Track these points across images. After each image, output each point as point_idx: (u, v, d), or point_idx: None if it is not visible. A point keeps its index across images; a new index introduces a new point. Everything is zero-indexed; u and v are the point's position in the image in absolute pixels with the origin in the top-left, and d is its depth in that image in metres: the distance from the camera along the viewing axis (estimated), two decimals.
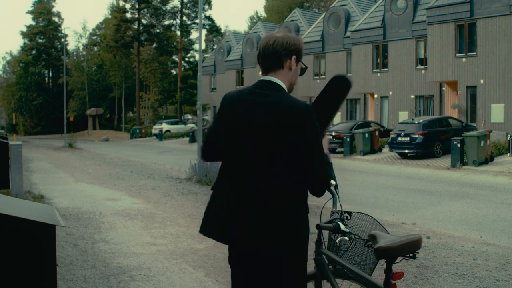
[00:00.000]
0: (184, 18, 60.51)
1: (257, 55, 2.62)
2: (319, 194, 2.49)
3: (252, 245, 2.43)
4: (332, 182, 2.77)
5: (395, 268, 2.84)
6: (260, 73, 2.63)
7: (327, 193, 2.90)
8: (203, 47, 69.87)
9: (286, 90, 2.59)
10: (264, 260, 2.48)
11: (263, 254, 2.46)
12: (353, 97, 33.68)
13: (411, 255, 2.68)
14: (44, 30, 71.71)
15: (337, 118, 34.18)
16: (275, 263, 2.47)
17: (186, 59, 66.53)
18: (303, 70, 2.71)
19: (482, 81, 24.82)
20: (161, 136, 42.79)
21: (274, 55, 2.53)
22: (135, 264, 5.85)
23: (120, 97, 65.18)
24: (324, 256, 2.96)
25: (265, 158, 2.43)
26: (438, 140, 20.61)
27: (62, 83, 60.57)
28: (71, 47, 79.06)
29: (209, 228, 2.55)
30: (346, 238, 2.79)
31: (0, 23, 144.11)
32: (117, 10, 59.42)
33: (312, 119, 2.43)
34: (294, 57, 2.57)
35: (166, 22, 60.74)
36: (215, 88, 49.19)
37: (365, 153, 22.30)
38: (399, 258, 2.72)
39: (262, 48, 2.56)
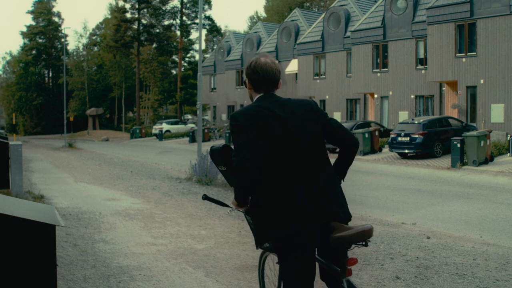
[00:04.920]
0: (184, 18, 60.45)
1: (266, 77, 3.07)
2: (357, 146, 3.12)
3: (334, 215, 2.92)
4: None
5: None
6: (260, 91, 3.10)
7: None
8: (203, 47, 69.88)
9: None
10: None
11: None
12: (353, 97, 33.69)
13: (363, 243, 2.89)
14: (44, 30, 71.68)
15: (338, 118, 34.18)
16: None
17: (186, 59, 66.51)
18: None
19: (482, 81, 24.82)
20: (161, 136, 42.79)
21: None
22: (135, 264, 5.85)
23: (120, 97, 65.17)
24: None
25: (313, 142, 2.96)
26: (438, 140, 20.60)
27: (62, 83, 60.56)
28: (71, 47, 79.17)
29: (287, 222, 2.83)
30: (228, 210, 3.21)
31: (0, 23, 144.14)
32: (117, 10, 59.40)
33: None
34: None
35: (166, 22, 60.72)
36: (215, 88, 49.19)
37: (365, 153, 22.30)
38: (353, 246, 2.91)
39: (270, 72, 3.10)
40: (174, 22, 60.94)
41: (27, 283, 3.37)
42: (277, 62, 3.14)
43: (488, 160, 17.63)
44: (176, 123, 47.18)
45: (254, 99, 3.06)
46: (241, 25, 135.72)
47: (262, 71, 3.00)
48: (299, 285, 2.88)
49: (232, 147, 2.98)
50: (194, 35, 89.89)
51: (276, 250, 2.94)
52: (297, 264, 2.86)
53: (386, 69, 30.54)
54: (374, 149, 22.78)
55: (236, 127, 2.86)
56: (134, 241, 7.00)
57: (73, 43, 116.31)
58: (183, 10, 60.09)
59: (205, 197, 3.35)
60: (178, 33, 61.08)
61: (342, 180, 3.22)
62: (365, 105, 33.05)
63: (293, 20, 40.68)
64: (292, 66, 38.59)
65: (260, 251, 3.85)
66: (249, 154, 2.80)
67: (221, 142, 34.47)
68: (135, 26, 56.92)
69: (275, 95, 3.03)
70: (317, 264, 3.05)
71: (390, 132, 21.91)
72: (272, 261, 3.98)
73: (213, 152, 3.27)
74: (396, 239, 7.12)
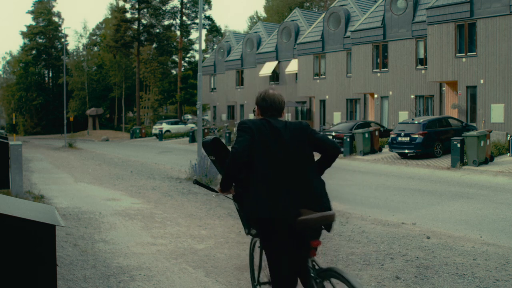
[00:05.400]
0: (184, 18, 60.43)
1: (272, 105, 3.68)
2: (337, 154, 3.63)
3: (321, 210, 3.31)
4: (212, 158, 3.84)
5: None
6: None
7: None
8: (203, 47, 69.87)
9: None
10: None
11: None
12: (353, 97, 33.68)
13: (327, 227, 3.32)
14: (44, 30, 71.67)
15: (337, 118, 34.18)
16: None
17: (186, 59, 66.50)
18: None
19: (482, 81, 24.82)
20: (161, 136, 42.78)
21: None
22: (135, 264, 5.85)
23: (120, 97, 65.16)
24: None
25: (301, 155, 3.46)
26: (438, 140, 20.60)
27: (62, 83, 60.56)
28: (71, 47, 79.14)
29: (273, 210, 3.26)
30: (213, 195, 4.01)
31: (0, 23, 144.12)
32: (117, 10, 59.39)
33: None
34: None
35: (166, 22, 60.68)
36: (215, 88, 49.19)
37: (365, 153, 22.30)
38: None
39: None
40: (174, 22, 60.95)
41: (27, 283, 3.37)
42: (282, 95, 3.75)
43: (488, 160, 17.63)
44: (176, 123, 47.16)
45: None
46: (241, 25, 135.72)
47: (270, 100, 3.64)
48: (281, 267, 3.26)
49: (226, 144, 3.25)
50: (194, 35, 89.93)
51: (260, 234, 3.35)
52: (278, 248, 3.25)
53: (386, 69, 30.54)
54: (374, 149, 22.77)
55: (242, 128, 3.46)
56: (134, 241, 7.01)
57: (73, 43, 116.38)
58: (183, 10, 60.09)
59: (195, 182, 3.85)
60: (178, 33, 61.06)
61: None
62: (365, 105, 33.05)
63: (293, 20, 40.67)
64: (292, 66, 38.58)
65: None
66: (249, 144, 3.35)
67: None
68: (135, 26, 56.92)
69: (276, 118, 3.62)
70: None
71: (390, 132, 21.90)
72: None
73: (205, 143, 3.85)
74: (396, 239, 7.13)
